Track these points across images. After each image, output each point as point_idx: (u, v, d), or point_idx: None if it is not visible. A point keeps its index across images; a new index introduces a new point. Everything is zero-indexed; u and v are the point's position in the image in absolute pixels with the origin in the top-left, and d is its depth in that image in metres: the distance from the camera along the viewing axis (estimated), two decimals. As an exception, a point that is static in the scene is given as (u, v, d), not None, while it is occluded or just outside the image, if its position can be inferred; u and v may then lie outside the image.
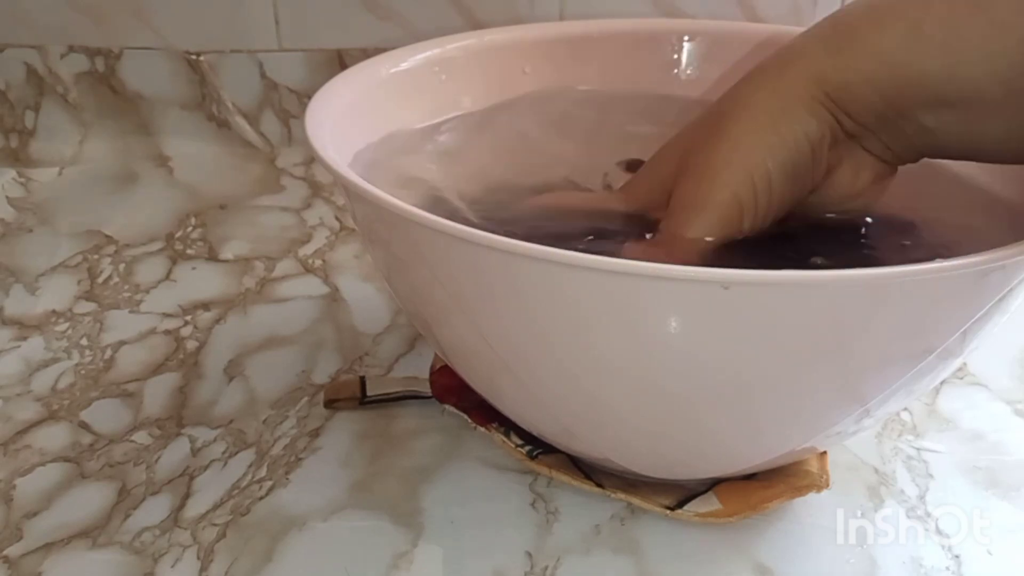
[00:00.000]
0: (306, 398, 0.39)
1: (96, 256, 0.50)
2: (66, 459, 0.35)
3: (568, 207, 0.34)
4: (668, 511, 0.32)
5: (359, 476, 0.34)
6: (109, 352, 0.42)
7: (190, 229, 0.53)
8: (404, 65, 0.38)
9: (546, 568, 0.31)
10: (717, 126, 0.29)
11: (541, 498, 0.33)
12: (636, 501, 0.32)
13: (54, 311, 0.45)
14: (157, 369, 0.41)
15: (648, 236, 0.30)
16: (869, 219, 0.31)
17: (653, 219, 0.31)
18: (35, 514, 0.33)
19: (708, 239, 0.28)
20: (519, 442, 0.34)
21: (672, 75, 0.42)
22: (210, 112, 0.62)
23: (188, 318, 0.44)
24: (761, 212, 0.28)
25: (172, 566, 0.31)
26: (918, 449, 0.36)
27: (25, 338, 0.43)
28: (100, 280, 0.48)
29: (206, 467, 0.35)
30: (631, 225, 0.31)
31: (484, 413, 0.35)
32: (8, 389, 0.39)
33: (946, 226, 0.33)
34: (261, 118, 0.63)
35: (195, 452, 0.36)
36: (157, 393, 0.39)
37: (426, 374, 0.38)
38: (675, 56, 0.42)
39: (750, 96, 0.28)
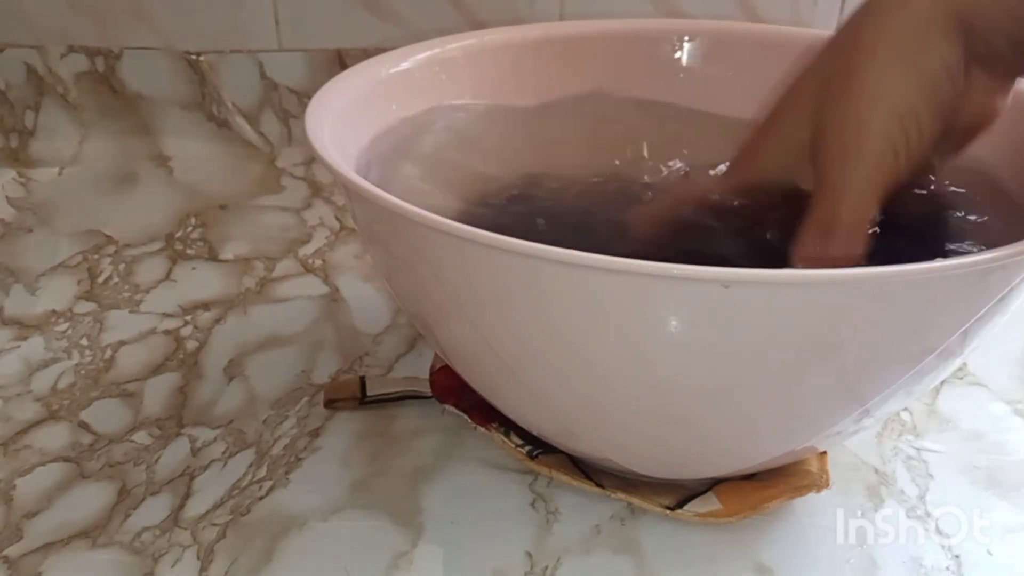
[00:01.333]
0: (306, 398, 0.39)
1: (96, 256, 0.50)
2: (66, 459, 0.35)
3: (679, 214, 0.32)
4: (668, 511, 0.32)
5: (359, 476, 0.34)
6: (109, 352, 0.42)
7: (190, 229, 0.53)
8: (404, 65, 0.38)
9: (546, 568, 0.31)
10: (848, 68, 0.27)
11: (541, 498, 0.33)
12: (636, 501, 0.32)
13: (54, 311, 0.45)
14: (157, 369, 0.41)
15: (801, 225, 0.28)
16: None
17: (787, 191, 0.29)
18: (35, 514, 0.33)
19: (871, 201, 0.27)
20: (519, 442, 0.34)
21: (672, 75, 0.42)
22: (210, 112, 0.62)
23: (188, 318, 0.44)
24: (915, 152, 0.27)
25: (172, 566, 0.31)
26: (918, 449, 0.36)
27: (25, 338, 0.43)
28: (100, 280, 0.48)
29: (206, 467, 0.35)
30: (774, 203, 0.29)
31: (484, 413, 0.35)
32: (8, 389, 0.39)
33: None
34: (261, 118, 0.63)
35: (195, 452, 0.36)
36: (157, 393, 0.39)
37: (426, 374, 0.38)
38: (675, 56, 0.42)
39: (880, 27, 0.27)
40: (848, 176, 0.27)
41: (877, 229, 0.28)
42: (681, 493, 0.32)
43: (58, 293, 0.47)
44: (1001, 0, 0.25)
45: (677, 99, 0.41)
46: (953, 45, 0.26)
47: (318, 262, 0.50)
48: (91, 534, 0.32)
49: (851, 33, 0.28)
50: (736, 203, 0.31)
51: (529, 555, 0.31)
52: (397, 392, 0.38)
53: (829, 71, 0.28)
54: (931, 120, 0.27)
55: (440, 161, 0.37)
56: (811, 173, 0.28)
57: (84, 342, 0.43)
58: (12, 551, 0.31)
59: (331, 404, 0.38)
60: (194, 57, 0.60)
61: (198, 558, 0.31)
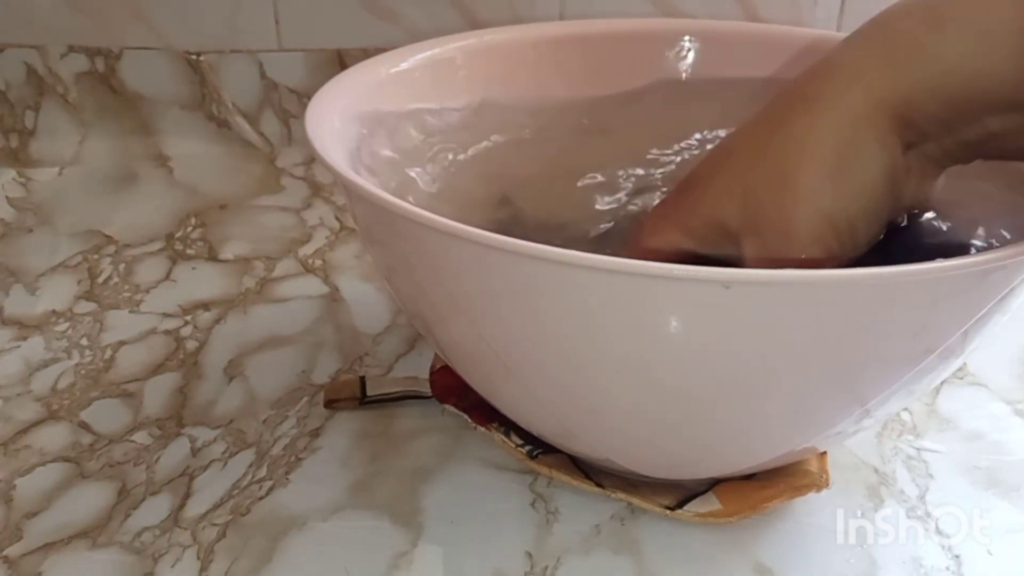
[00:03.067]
0: (306, 398, 0.39)
1: (96, 256, 0.50)
2: (66, 459, 0.35)
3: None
4: (668, 511, 0.32)
5: (359, 476, 0.34)
6: (109, 352, 0.42)
7: (190, 229, 0.53)
8: (404, 65, 0.38)
9: (546, 568, 0.31)
10: (781, 169, 0.26)
11: (541, 498, 0.33)
12: (636, 501, 0.32)
13: (54, 311, 0.45)
14: (157, 369, 0.41)
15: None
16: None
17: (720, 258, 0.29)
18: (35, 514, 0.33)
19: None
20: (519, 442, 0.34)
21: (672, 75, 0.42)
22: (210, 112, 0.62)
23: (188, 318, 0.44)
24: (850, 253, 0.27)
25: (172, 566, 0.31)
26: (918, 449, 0.36)
27: (25, 338, 0.43)
28: (100, 280, 0.48)
29: (206, 467, 0.35)
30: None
31: (484, 413, 0.35)
32: (8, 389, 0.39)
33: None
34: (261, 118, 0.63)
35: (195, 452, 0.36)
36: (157, 393, 0.39)
37: (426, 374, 0.38)
38: (675, 56, 0.42)
39: (810, 132, 0.26)
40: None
41: None
42: (681, 493, 0.32)
43: (58, 293, 0.47)
44: (935, 91, 0.25)
45: (677, 99, 0.41)
46: (890, 149, 0.26)
47: (318, 262, 0.50)
48: (91, 534, 0.32)
49: (783, 120, 0.27)
50: None
51: (529, 555, 0.31)
52: (397, 392, 0.38)
53: (762, 160, 0.27)
54: (868, 227, 0.27)
55: (440, 161, 0.37)
56: (734, 253, 0.28)
57: (84, 342, 0.43)
58: (12, 551, 0.31)
59: (331, 404, 0.38)
60: (194, 57, 0.60)
61: (198, 558, 0.31)
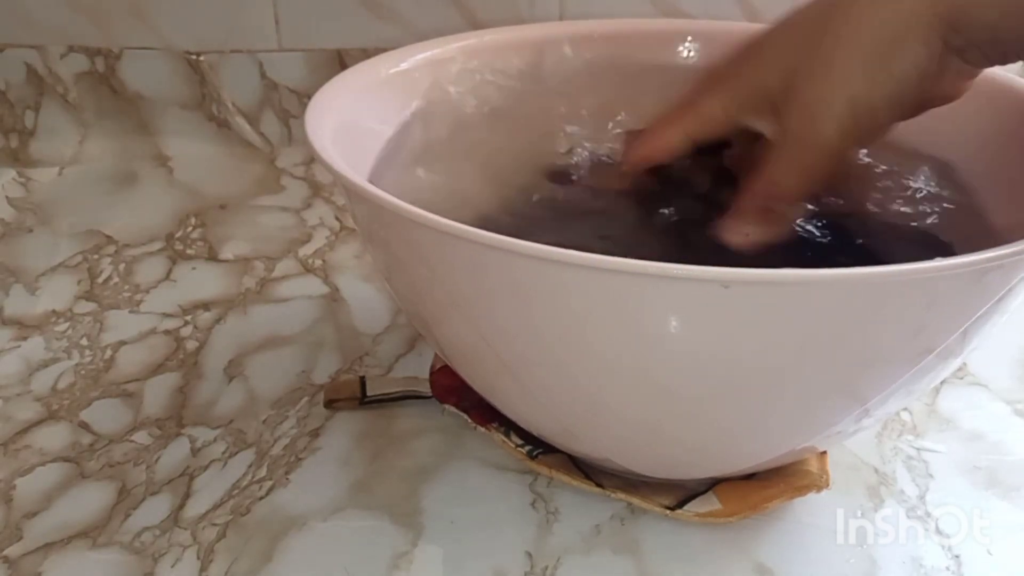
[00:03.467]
0: (306, 398, 0.39)
1: (96, 256, 0.50)
2: (66, 459, 0.35)
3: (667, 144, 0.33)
4: (668, 511, 0.32)
5: (359, 476, 0.34)
6: (109, 352, 0.42)
7: (190, 229, 0.53)
8: (404, 65, 0.38)
9: (546, 568, 0.31)
10: (826, 50, 0.28)
11: (541, 498, 0.33)
12: (636, 501, 0.32)
13: (54, 311, 0.45)
14: (157, 369, 0.41)
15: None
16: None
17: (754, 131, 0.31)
18: (35, 514, 0.33)
19: (814, 184, 0.29)
20: (519, 442, 0.34)
21: (672, 75, 0.42)
22: (210, 112, 0.62)
23: (188, 318, 0.44)
24: (866, 138, 0.29)
25: (172, 566, 0.31)
26: (918, 449, 0.36)
27: (25, 338, 0.43)
28: (100, 280, 0.48)
29: (206, 467, 0.35)
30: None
31: (484, 413, 0.35)
32: (8, 389, 0.39)
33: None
34: (261, 118, 0.63)
35: (195, 452, 0.36)
36: (157, 393, 0.39)
37: (426, 374, 0.38)
38: (675, 56, 0.42)
39: (866, 18, 0.27)
40: (798, 156, 0.29)
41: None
42: (681, 493, 0.32)
43: (58, 293, 0.47)
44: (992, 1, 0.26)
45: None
46: (930, 47, 0.27)
47: (318, 262, 0.50)
48: (91, 534, 0.32)
49: (838, 9, 0.28)
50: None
51: (529, 555, 0.31)
52: (397, 392, 0.38)
53: (807, 41, 0.29)
54: (887, 116, 0.28)
55: (439, 160, 0.37)
56: (768, 121, 0.30)
57: (84, 342, 0.43)
58: (12, 551, 0.31)
59: (331, 404, 0.38)
60: (194, 57, 0.60)
61: (198, 558, 0.31)
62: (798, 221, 0.31)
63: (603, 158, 0.38)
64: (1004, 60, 0.28)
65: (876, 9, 0.27)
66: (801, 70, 0.29)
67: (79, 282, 0.48)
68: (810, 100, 0.28)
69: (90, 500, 0.33)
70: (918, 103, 0.29)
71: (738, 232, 0.30)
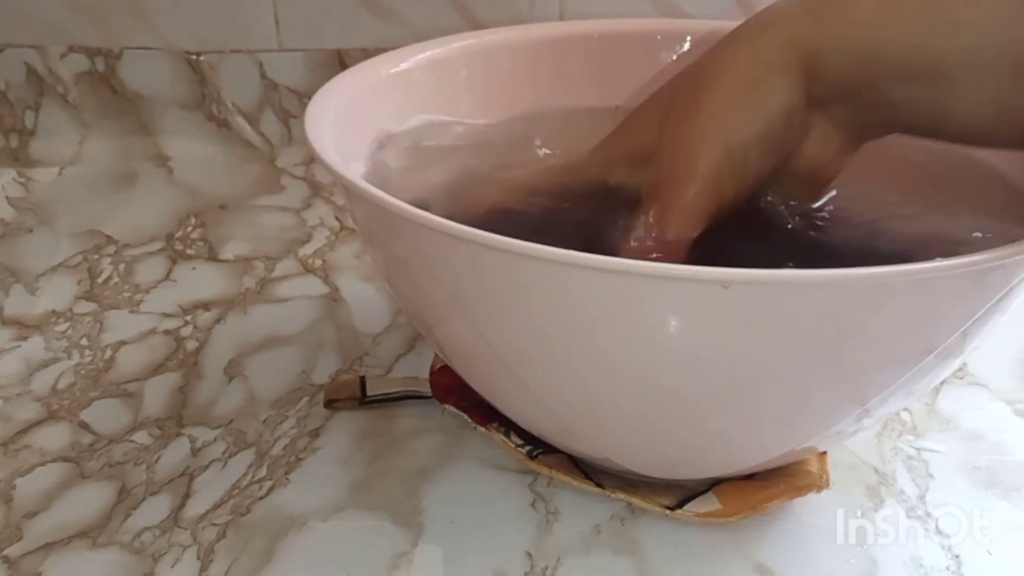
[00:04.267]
0: (306, 398, 0.39)
1: (96, 256, 0.50)
2: (66, 459, 0.35)
3: (543, 184, 0.34)
4: (668, 511, 0.32)
5: (359, 476, 0.34)
6: (109, 352, 0.42)
7: (190, 229, 0.53)
8: (404, 65, 0.38)
9: (546, 568, 0.31)
10: (696, 93, 0.29)
11: (541, 498, 0.33)
12: (636, 501, 0.32)
13: (54, 311, 0.45)
14: (157, 369, 0.41)
15: (633, 230, 0.30)
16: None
17: (630, 186, 0.31)
18: (35, 514, 0.33)
19: (694, 221, 0.29)
20: (519, 442, 0.34)
21: (672, 75, 0.42)
22: (210, 112, 0.62)
23: (188, 318, 0.44)
24: (740, 182, 0.28)
25: (172, 566, 0.31)
26: (918, 449, 0.36)
27: (25, 338, 0.43)
28: (100, 280, 0.48)
29: (206, 467, 0.35)
30: (609, 198, 0.31)
31: (484, 413, 0.35)
32: (8, 389, 0.39)
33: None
34: (261, 118, 0.63)
35: (195, 452, 0.36)
36: (157, 393, 0.39)
37: (426, 374, 0.38)
38: (675, 56, 0.42)
39: (728, 62, 0.28)
40: (676, 193, 0.29)
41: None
42: (681, 493, 0.32)
43: (58, 293, 0.47)
44: (844, 45, 0.27)
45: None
46: (794, 88, 0.27)
47: (318, 262, 0.50)
48: (91, 534, 0.32)
49: (711, 60, 0.29)
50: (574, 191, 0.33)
51: (529, 555, 0.31)
52: (397, 392, 0.38)
53: (684, 90, 0.30)
54: (759, 157, 0.28)
55: (439, 160, 0.37)
56: (646, 177, 0.30)
57: (84, 342, 0.43)
58: (12, 551, 0.31)
59: (331, 404, 0.38)
60: (194, 57, 0.60)
61: (198, 558, 0.31)
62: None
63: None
64: (882, 129, 0.28)
65: (738, 52, 0.28)
66: (674, 115, 0.29)
67: (79, 282, 0.48)
68: (684, 137, 0.29)
69: (90, 500, 0.33)
70: (795, 169, 0.29)
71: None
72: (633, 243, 0.29)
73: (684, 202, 0.28)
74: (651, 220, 0.29)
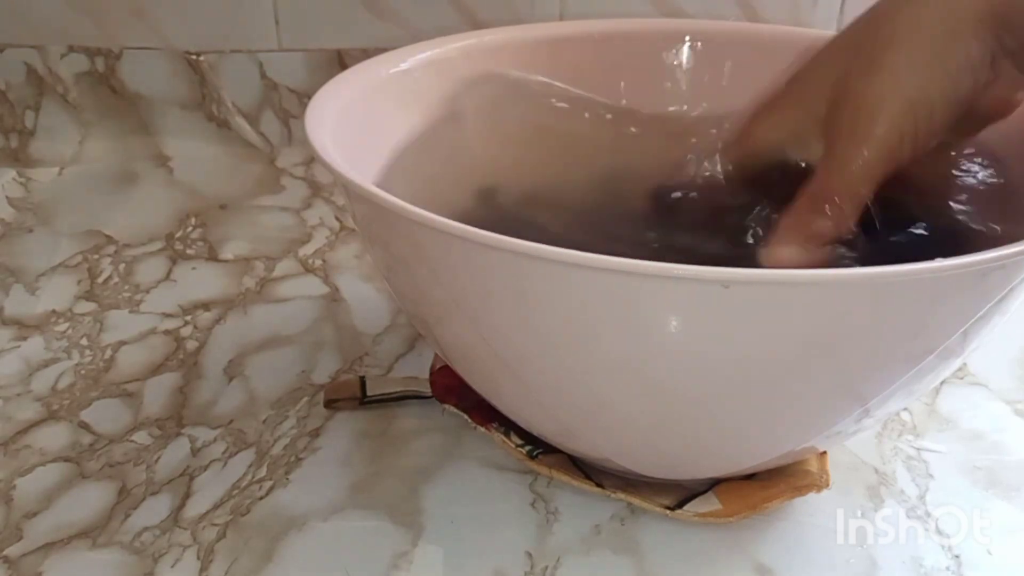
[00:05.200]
0: (306, 398, 0.39)
1: (96, 256, 0.50)
2: (66, 459, 0.35)
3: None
4: (668, 511, 0.32)
5: (359, 476, 0.34)
6: (109, 352, 0.42)
7: (190, 229, 0.53)
8: (404, 65, 0.38)
9: (546, 568, 0.31)
10: (876, 52, 0.28)
11: (541, 498, 0.33)
12: (636, 501, 0.32)
13: (54, 311, 0.45)
14: (157, 369, 0.41)
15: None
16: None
17: (799, 159, 0.30)
18: (35, 514, 0.33)
19: (867, 182, 0.27)
20: (519, 442, 0.34)
21: (672, 75, 0.42)
22: (210, 112, 0.62)
23: (188, 318, 0.44)
24: (922, 139, 0.27)
25: (172, 566, 0.31)
26: (918, 449, 0.36)
27: (25, 338, 0.43)
28: (100, 280, 0.48)
29: (206, 467, 0.35)
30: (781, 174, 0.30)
31: (484, 413, 0.35)
32: (8, 389, 0.39)
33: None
34: (261, 118, 0.63)
35: (195, 452, 0.36)
36: (157, 393, 0.39)
37: (426, 374, 0.38)
38: (675, 56, 0.42)
39: (916, 16, 0.27)
40: (851, 154, 0.27)
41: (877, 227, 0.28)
42: (681, 493, 0.32)
43: (58, 293, 0.47)
44: None
45: (677, 99, 0.41)
46: (983, 43, 0.27)
47: (318, 262, 0.50)
48: (91, 534, 0.32)
49: (885, 15, 0.28)
50: (735, 173, 0.32)
51: (529, 555, 0.31)
52: (397, 392, 0.38)
53: (856, 50, 0.28)
54: (944, 114, 0.27)
55: (439, 160, 0.37)
56: (818, 146, 0.29)
57: (84, 342, 0.43)
58: (12, 551, 0.31)
59: (331, 404, 0.38)
60: (194, 57, 0.60)
61: (198, 558, 0.31)
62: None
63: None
64: None
65: (926, 8, 0.27)
66: (852, 73, 0.28)
67: (79, 282, 0.48)
68: (863, 99, 0.28)
69: (90, 500, 0.33)
70: (971, 110, 0.28)
71: (780, 258, 0.28)
72: (798, 209, 0.28)
73: (862, 161, 0.27)
74: (822, 181, 0.28)
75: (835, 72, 0.29)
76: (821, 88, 0.29)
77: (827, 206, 0.28)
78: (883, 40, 0.28)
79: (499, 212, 0.35)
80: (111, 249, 0.51)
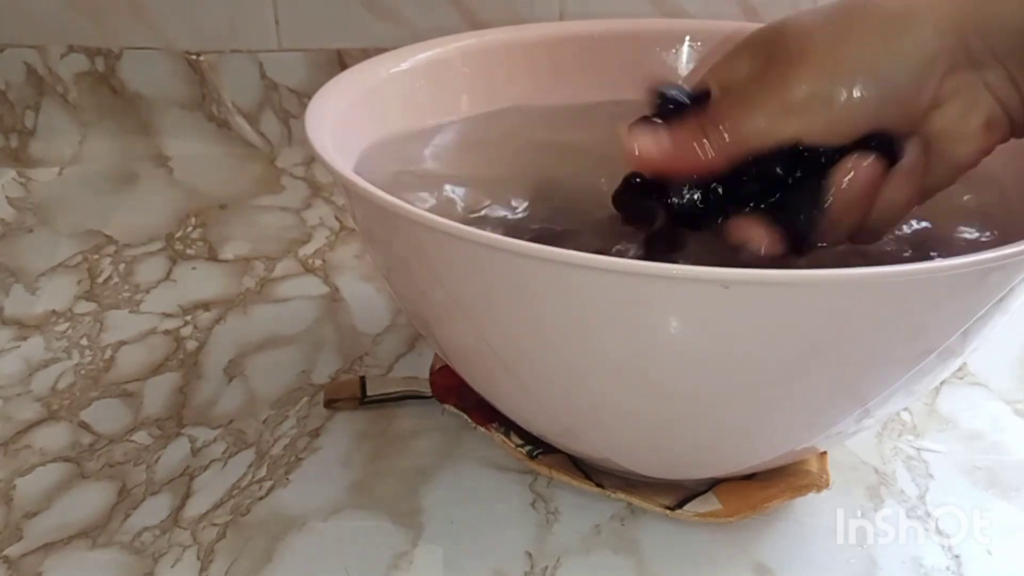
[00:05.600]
0: (306, 398, 0.39)
1: (96, 256, 0.50)
2: (66, 459, 0.35)
3: None
4: (668, 511, 0.32)
5: (359, 476, 0.34)
6: (109, 352, 0.42)
7: (190, 229, 0.53)
8: (404, 65, 0.38)
9: (546, 568, 0.30)
10: (838, 18, 0.27)
11: (541, 498, 0.33)
12: (636, 501, 0.32)
13: (54, 311, 0.45)
14: (157, 369, 0.41)
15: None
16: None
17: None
18: (35, 514, 0.33)
19: (758, 139, 0.27)
20: (519, 442, 0.34)
21: (672, 75, 0.42)
22: (210, 112, 0.62)
23: (188, 318, 0.44)
24: (839, 113, 0.26)
25: (172, 566, 0.31)
26: (918, 449, 0.36)
27: (25, 338, 0.43)
28: (100, 280, 0.48)
29: (206, 467, 0.35)
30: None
31: (484, 413, 0.35)
32: (8, 389, 0.39)
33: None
34: (261, 118, 0.63)
35: (195, 452, 0.36)
36: (157, 393, 0.39)
37: (426, 374, 0.38)
38: (675, 56, 0.42)
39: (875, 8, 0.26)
40: (761, 100, 0.27)
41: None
42: (681, 493, 0.32)
43: (58, 293, 0.47)
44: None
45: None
46: (940, 41, 0.26)
47: (318, 262, 0.50)
48: (91, 534, 0.32)
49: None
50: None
51: (529, 555, 0.31)
52: (397, 392, 0.38)
53: (827, 17, 0.28)
54: (872, 95, 0.26)
55: (439, 161, 0.37)
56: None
57: (84, 342, 0.43)
58: (12, 551, 0.31)
59: (331, 404, 0.38)
60: (194, 57, 0.60)
61: (198, 558, 0.31)
62: None
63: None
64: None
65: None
66: (810, 30, 0.27)
67: (79, 282, 0.48)
68: (795, 52, 0.27)
69: (90, 500, 0.33)
70: (910, 108, 0.27)
71: (636, 134, 0.28)
72: (686, 120, 0.27)
73: (763, 114, 0.27)
74: (722, 108, 0.27)
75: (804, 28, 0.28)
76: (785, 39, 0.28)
77: (711, 130, 0.27)
78: (847, 9, 0.27)
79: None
80: (111, 249, 0.51)
